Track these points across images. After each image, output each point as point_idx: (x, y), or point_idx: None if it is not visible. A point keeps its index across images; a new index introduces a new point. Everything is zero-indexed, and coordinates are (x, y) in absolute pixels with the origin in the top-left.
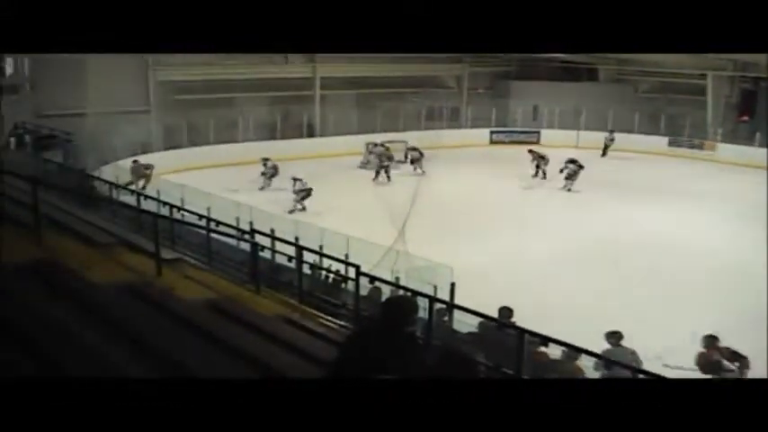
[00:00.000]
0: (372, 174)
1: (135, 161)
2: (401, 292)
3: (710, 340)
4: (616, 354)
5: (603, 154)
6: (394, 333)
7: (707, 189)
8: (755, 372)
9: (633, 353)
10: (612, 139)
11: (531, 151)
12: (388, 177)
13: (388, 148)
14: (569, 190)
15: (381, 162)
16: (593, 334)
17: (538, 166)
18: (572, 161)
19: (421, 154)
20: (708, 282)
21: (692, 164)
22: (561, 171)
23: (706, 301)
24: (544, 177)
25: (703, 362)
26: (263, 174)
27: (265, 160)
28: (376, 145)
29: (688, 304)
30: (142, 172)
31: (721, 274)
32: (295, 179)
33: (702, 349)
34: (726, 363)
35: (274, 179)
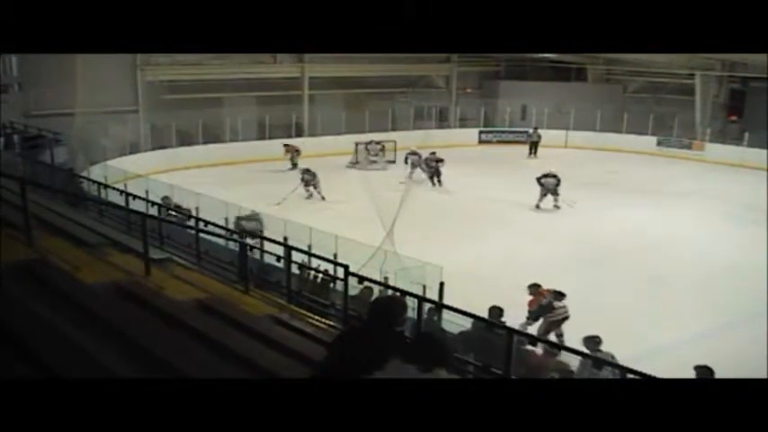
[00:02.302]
0: (362, 173)
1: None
2: (390, 291)
3: (534, 288)
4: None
5: (530, 153)
6: (383, 332)
7: (695, 189)
8: (755, 371)
9: (612, 357)
10: (539, 136)
11: (286, 145)
12: (440, 182)
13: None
14: (557, 207)
15: (430, 168)
16: (584, 332)
17: (292, 159)
18: (552, 175)
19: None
20: (697, 281)
21: (681, 164)
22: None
23: (696, 300)
24: (294, 168)
25: (535, 307)
26: (306, 184)
27: (305, 171)
28: (367, 143)
29: (678, 304)
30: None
31: (710, 273)
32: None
33: (530, 297)
34: (556, 302)
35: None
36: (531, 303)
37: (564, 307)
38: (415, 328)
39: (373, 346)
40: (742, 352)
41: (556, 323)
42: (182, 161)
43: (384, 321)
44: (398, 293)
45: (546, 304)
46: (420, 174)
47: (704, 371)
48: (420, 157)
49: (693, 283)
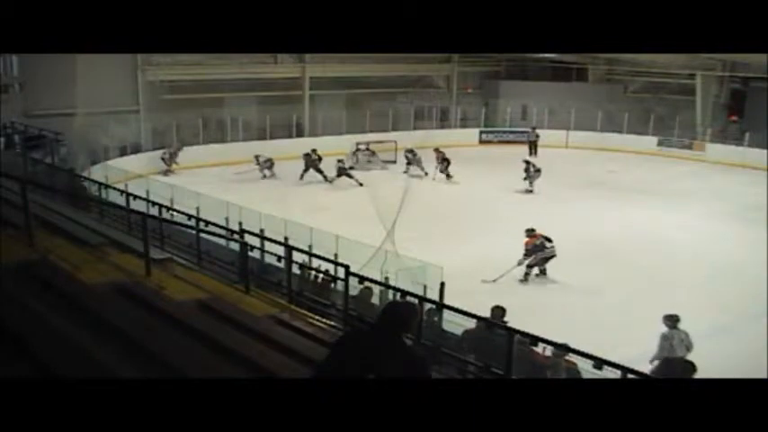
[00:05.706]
0: (361, 174)
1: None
2: (390, 292)
3: (530, 231)
4: (672, 336)
5: (531, 152)
6: (390, 338)
7: (696, 189)
8: (755, 371)
9: (686, 335)
10: (537, 135)
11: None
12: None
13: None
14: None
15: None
16: (584, 332)
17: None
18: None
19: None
20: (697, 281)
21: (682, 164)
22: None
23: (696, 300)
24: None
25: (530, 247)
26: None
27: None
28: (361, 147)
29: (678, 304)
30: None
31: (710, 273)
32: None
33: (526, 239)
34: (546, 242)
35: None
36: (527, 243)
37: (552, 247)
38: (416, 330)
39: (380, 350)
40: (742, 352)
41: (544, 259)
42: (182, 161)
43: (396, 327)
44: (403, 296)
45: (539, 244)
46: (415, 170)
47: (687, 366)
48: (414, 155)
49: (693, 283)
